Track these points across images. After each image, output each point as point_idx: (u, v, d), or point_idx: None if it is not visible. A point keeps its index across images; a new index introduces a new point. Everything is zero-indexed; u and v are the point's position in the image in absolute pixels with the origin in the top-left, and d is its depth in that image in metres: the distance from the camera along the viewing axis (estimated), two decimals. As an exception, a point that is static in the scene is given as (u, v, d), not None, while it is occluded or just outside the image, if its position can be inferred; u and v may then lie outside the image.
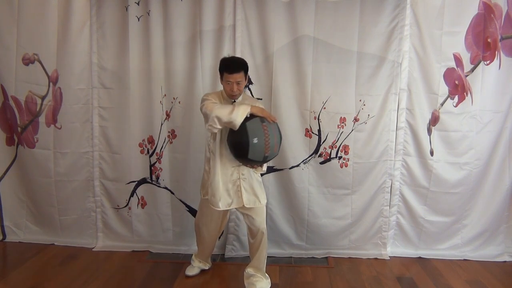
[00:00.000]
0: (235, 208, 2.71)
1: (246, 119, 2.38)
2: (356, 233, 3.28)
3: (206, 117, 2.44)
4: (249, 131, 2.36)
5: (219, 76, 2.58)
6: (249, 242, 2.72)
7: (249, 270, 2.70)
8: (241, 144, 2.38)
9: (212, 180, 2.55)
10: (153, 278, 2.88)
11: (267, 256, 2.73)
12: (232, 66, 2.48)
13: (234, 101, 2.57)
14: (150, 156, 3.27)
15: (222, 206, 2.56)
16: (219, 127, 2.41)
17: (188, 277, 2.88)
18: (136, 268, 3.03)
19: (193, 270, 2.93)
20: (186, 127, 3.19)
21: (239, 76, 2.47)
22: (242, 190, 2.57)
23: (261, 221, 2.63)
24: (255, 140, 2.35)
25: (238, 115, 2.36)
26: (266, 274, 2.72)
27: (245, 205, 2.57)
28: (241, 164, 2.55)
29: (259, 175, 2.68)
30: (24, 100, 3.28)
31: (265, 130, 2.38)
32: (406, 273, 3.03)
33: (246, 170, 2.58)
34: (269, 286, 2.70)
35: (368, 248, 3.30)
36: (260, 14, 3.07)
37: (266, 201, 2.67)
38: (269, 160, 2.52)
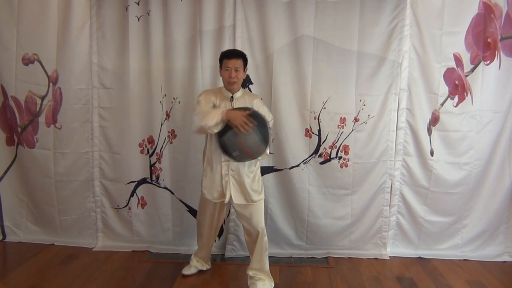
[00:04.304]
0: (234, 208, 2.71)
1: (222, 132, 2.41)
2: (356, 233, 3.28)
3: (192, 116, 2.56)
4: (227, 146, 2.43)
5: (219, 70, 2.64)
6: (246, 242, 2.73)
7: (250, 272, 2.68)
8: (226, 154, 2.49)
9: (207, 173, 2.63)
10: (153, 278, 2.88)
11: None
12: (230, 53, 2.60)
13: (232, 96, 2.59)
14: (150, 156, 3.27)
15: (216, 199, 2.63)
16: (193, 129, 2.50)
17: (184, 276, 2.88)
18: (136, 268, 3.03)
19: (189, 269, 2.93)
20: (186, 127, 3.19)
21: (238, 63, 2.54)
22: (231, 187, 2.58)
23: (258, 221, 2.61)
24: (236, 153, 2.44)
25: (210, 119, 2.38)
26: (269, 274, 2.70)
27: (234, 202, 2.58)
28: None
29: (256, 170, 2.66)
30: (24, 100, 3.28)
31: (241, 142, 2.41)
32: (406, 273, 3.03)
33: (235, 166, 2.57)
34: (272, 287, 2.69)
35: (368, 248, 3.30)
36: (260, 14, 3.07)
37: (262, 198, 2.65)
38: (262, 154, 2.55)
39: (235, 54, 2.58)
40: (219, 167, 2.58)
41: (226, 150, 2.45)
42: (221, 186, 2.60)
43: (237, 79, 2.55)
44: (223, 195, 2.60)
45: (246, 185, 2.58)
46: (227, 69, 2.54)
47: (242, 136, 2.38)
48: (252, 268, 2.68)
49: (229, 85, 2.59)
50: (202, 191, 2.68)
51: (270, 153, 3.02)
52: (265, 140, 2.47)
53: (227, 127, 2.41)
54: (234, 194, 2.58)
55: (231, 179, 2.57)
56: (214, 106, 2.60)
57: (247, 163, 2.59)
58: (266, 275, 2.68)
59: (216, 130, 2.41)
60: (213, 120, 2.37)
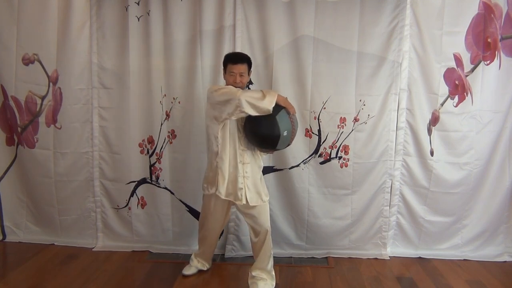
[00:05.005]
0: (236, 208, 2.71)
1: (274, 110, 2.40)
2: (356, 233, 3.28)
3: (227, 103, 2.40)
4: (280, 124, 2.42)
5: (222, 73, 2.62)
6: (252, 242, 2.71)
7: (253, 273, 2.67)
8: (271, 136, 2.45)
9: (220, 171, 2.55)
10: (153, 278, 2.88)
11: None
12: (235, 57, 2.56)
13: None
14: (150, 156, 3.27)
15: (228, 197, 2.58)
16: (249, 111, 2.38)
17: (184, 276, 2.88)
18: (136, 268, 3.03)
19: (190, 269, 2.92)
20: (186, 127, 3.19)
21: (243, 68, 2.52)
22: (245, 188, 2.56)
23: (265, 220, 2.63)
24: (285, 133, 2.45)
25: (270, 102, 2.38)
26: (273, 274, 2.69)
27: (249, 203, 2.56)
28: (248, 158, 2.59)
29: (261, 172, 2.68)
30: (24, 100, 3.28)
31: (292, 122, 2.48)
32: (406, 273, 3.03)
33: (249, 168, 2.57)
34: (273, 287, 2.68)
35: (368, 248, 3.30)
36: (260, 14, 3.06)
37: (268, 197, 2.68)
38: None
39: (240, 59, 2.55)
40: (235, 169, 2.56)
41: (274, 130, 2.41)
42: (234, 187, 2.57)
43: (242, 83, 2.54)
44: (232, 195, 2.59)
45: (258, 187, 2.60)
46: (232, 74, 2.52)
47: (292, 116, 2.48)
48: (256, 268, 2.67)
49: None
50: (208, 191, 2.63)
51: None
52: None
53: (277, 107, 2.42)
54: (250, 196, 2.57)
55: (246, 181, 2.57)
56: None
57: (256, 164, 2.61)
58: (268, 274, 2.67)
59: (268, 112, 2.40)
60: (272, 103, 2.38)
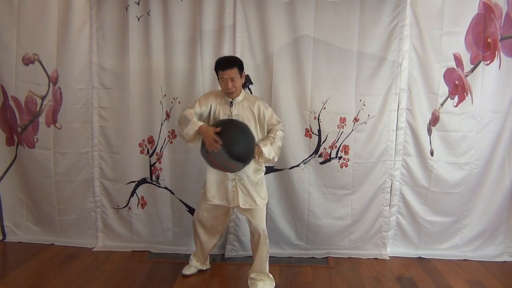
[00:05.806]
0: (236, 208, 2.72)
1: (201, 145, 2.48)
2: (356, 233, 3.28)
3: None
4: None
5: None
6: (251, 242, 2.75)
7: (252, 275, 2.70)
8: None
9: (208, 175, 2.63)
10: (153, 278, 2.89)
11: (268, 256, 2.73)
12: (224, 63, 2.54)
13: (232, 101, 2.59)
14: (150, 156, 3.27)
15: (214, 201, 2.65)
16: (179, 130, 2.55)
17: (184, 276, 2.88)
18: (136, 268, 3.03)
19: (189, 269, 2.93)
20: (186, 127, 3.19)
21: (233, 72, 2.50)
22: (238, 191, 2.59)
23: (258, 223, 2.64)
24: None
25: (187, 133, 2.47)
26: (270, 275, 2.72)
27: (241, 206, 2.60)
28: None
29: (262, 174, 2.67)
30: (24, 100, 3.28)
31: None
32: (406, 273, 3.03)
33: (242, 172, 2.58)
34: (273, 287, 2.70)
35: (368, 248, 3.30)
36: (260, 14, 3.07)
37: (265, 201, 2.68)
38: (239, 169, 2.51)
39: (228, 64, 2.51)
40: (224, 173, 2.58)
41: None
42: (226, 191, 2.61)
43: (235, 88, 2.53)
44: (227, 199, 2.62)
45: (252, 190, 2.60)
46: (223, 80, 2.52)
47: (212, 153, 2.40)
48: (255, 270, 2.69)
49: (227, 95, 2.58)
50: (206, 194, 2.68)
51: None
52: (236, 157, 2.39)
53: (203, 141, 2.47)
54: (242, 199, 2.59)
55: (238, 184, 2.59)
56: (211, 109, 2.61)
57: (252, 168, 2.59)
58: (267, 276, 2.70)
59: (192, 144, 2.51)
60: (188, 134, 2.47)
